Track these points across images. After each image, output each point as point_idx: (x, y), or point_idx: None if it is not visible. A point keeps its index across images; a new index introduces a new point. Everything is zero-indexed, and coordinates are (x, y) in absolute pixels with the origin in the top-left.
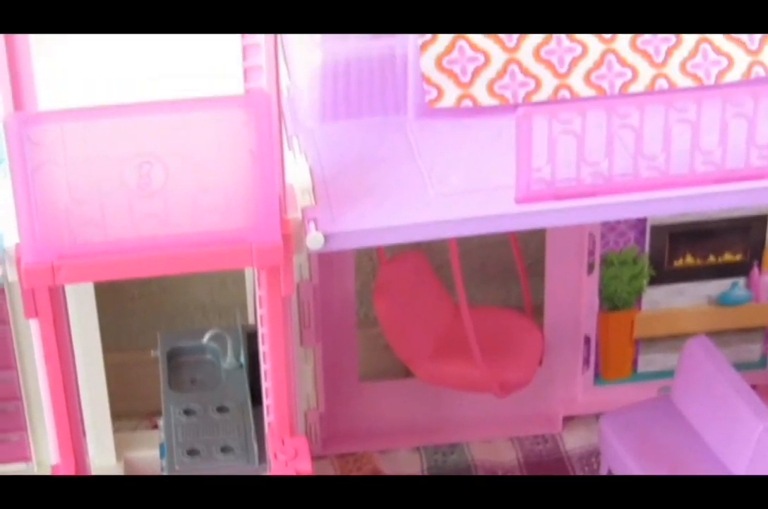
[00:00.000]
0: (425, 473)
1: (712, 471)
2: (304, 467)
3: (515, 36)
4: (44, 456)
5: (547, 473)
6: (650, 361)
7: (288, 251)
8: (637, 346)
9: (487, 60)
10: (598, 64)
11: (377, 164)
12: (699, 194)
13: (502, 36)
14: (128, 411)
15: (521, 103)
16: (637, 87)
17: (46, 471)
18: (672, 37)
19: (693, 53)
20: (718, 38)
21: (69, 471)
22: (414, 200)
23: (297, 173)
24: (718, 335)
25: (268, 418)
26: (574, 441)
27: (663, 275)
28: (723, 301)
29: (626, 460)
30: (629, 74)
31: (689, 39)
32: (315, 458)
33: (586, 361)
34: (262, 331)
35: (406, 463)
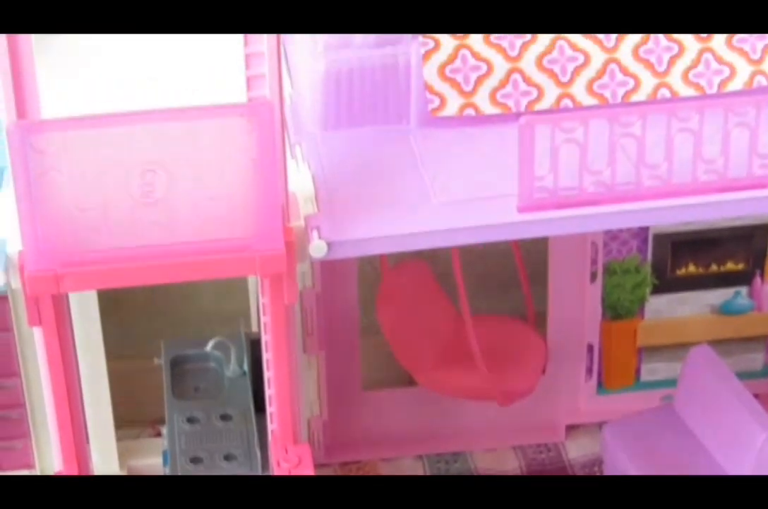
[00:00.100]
0: None
1: None
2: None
3: (518, 45)
4: (47, 463)
5: None
6: (653, 370)
7: (291, 259)
8: (640, 355)
9: (490, 69)
10: (600, 74)
11: (380, 173)
12: (701, 203)
13: (505, 45)
14: (131, 419)
15: (524, 112)
16: (640, 96)
17: None
18: (674, 47)
19: (695, 62)
20: (720, 48)
21: None
22: (417, 209)
23: (300, 181)
24: (721, 344)
25: (271, 426)
26: (577, 450)
27: (666, 283)
28: (725, 310)
29: (629, 469)
30: (631, 83)
31: (692, 48)
32: (318, 466)
33: (589, 370)
34: (265, 339)
35: (408, 471)
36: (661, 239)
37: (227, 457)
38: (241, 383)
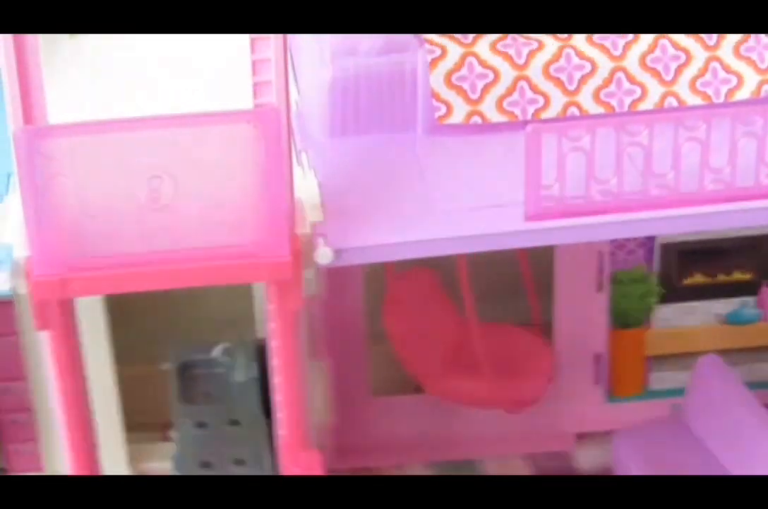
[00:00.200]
0: None
1: None
2: None
3: (525, 53)
4: (56, 467)
5: None
6: (662, 379)
7: (297, 266)
8: (648, 364)
9: (497, 77)
10: (607, 82)
11: (386, 180)
12: (708, 212)
13: (512, 53)
14: (141, 423)
15: (530, 120)
16: (647, 105)
17: None
18: (682, 56)
19: (703, 71)
20: (727, 56)
21: None
22: (423, 216)
23: (306, 188)
24: (729, 354)
25: (280, 431)
26: (586, 459)
27: (673, 293)
28: (733, 320)
29: None
30: (638, 92)
31: (699, 57)
32: (327, 471)
33: (597, 379)
34: (272, 345)
35: None
36: (668, 248)
37: (237, 462)
38: (249, 388)
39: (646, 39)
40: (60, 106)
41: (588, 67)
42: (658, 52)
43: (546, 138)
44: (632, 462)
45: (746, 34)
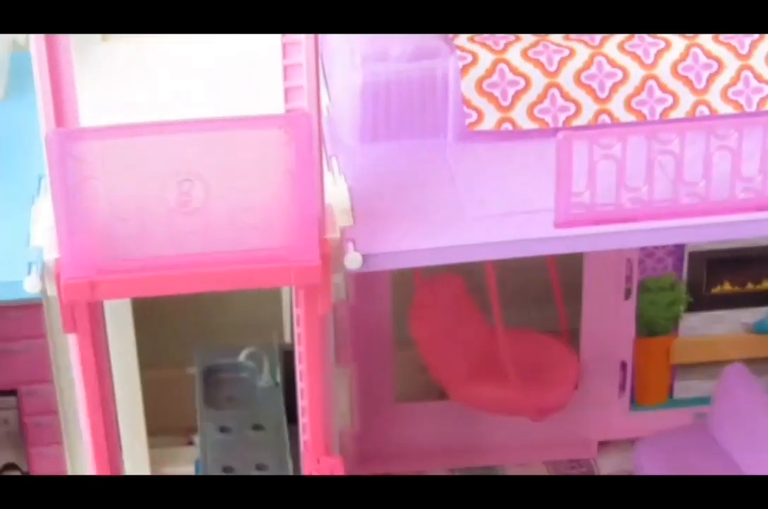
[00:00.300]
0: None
1: None
2: None
3: (556, 60)
4: (80, 470)
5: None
6: (686, 387)
7: (326, 270)
8: (673, 372)
9: (528, 84)
10: (638, 90)
11: (416, 186)
12: (738, 221)
13: (543, 60)
14: (164, 428)
15: (561, 127)
16: (678, 113)
17: None
18: (713, 64)
19: (734, 80)
20: (759, 65)
21: None
22: (452, 223)
23: (336, 193)
24: (755, 363)
25: (303, 437)
26: (608, 466)
27: (700, 301)
28: (760, 329)
29: None
30: (670, 100)
31: (731, 66)
32: None
33: (622, 386)
34: (298, 350)
35: None
36: (697, 256)
37: (259, 467)
38: (273, 393)
39: (677, 47)
40: (92, 109)
41: (619, 74)
42: (689, 61)
43: (577, 145)
44: (654, 470)
45: None
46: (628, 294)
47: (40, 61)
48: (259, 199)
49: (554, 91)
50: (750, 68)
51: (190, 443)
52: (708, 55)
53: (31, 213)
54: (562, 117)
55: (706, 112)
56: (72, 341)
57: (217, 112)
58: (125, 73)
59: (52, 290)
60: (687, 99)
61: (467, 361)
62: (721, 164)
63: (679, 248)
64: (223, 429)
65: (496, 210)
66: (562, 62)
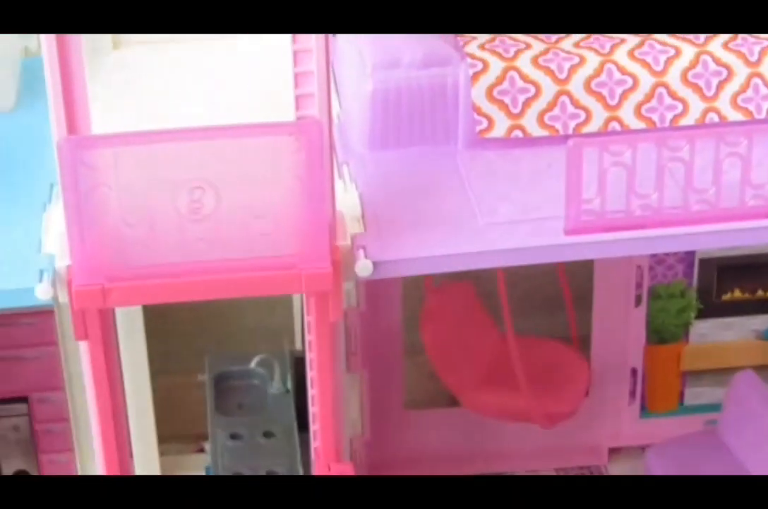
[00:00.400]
0: None
1: None
2: None
3: (566, 68)
4: None
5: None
6: (697, 394)
7: (337, 277)
8: (683, 379)
9: (538, 91)
10: (648, 97)
11: (427, 193)
12: (749, 227)
13: (553, 67)
14: (175, 435)
15: (571, 134)
16: (688, 120)
17: None
18: (723, 71)
19: (744, 87)
20: None
21: None
22: (463, 230)
23: (347, 200)
24: (765, 370)
25: (314, 444)
26: (619, 473)
27: (711, 308)
28: None
29: None
30: (680, 107)
31: (740, 73)
32: None
33: (633, 393)
34: (309, 356)
35: None
36: (707, 263)
37: (270, 474)
38: (284, 400)
39: (687, 54)
40: (103, 116)
41: (629, 82)
42: (699, 68)
43: (587, 152)
44: (664, 475)
45: None
46: (638, 301)
47: (52, 68)
48: (270, 206)
49: (564, 98)
50: (760, 75)
51: (201, 450)
52: (718, 62)
53: (42, 220)
54: (572, 124)
55: (716, 119)
56: (83, 348)
57: (228, 119)
58: (136, 81)
59: (63, 297)
60: (697, 106)
61: (478, 368)
62: (730, 171)
63: (690, 254)
64: (233, 436)
65: (507, 217)
66: (573, 69)
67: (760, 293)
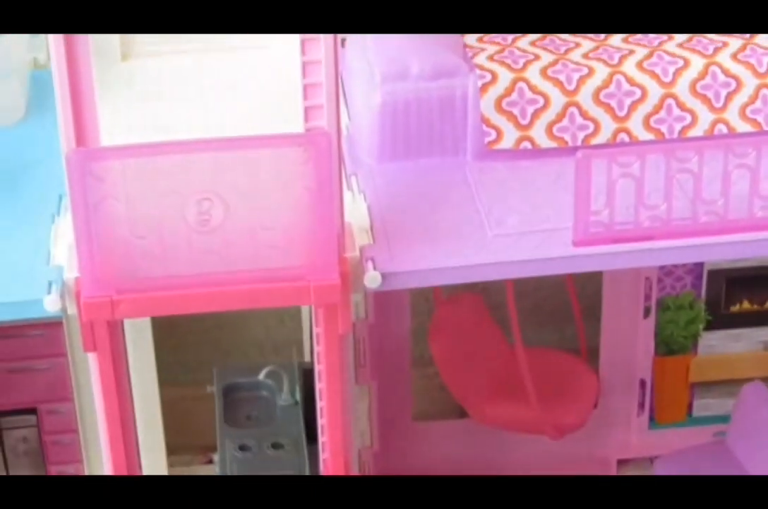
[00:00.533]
0: None
1: None
2: None
3: (575, 79)
4: None
5: None
6: (705, 406)
7: (346, 289)
8: (692, 390)
9: (547, 102)
10: (657, 108)
11: (435, 205)
12: (757, 239)
13: (562, 79)
14: (183, 446)
15: (580, 145)
16: (697, 131)
17: None
18: (732, 82)
19: (753, 99)
20: None
21: None
22: (472, 241)
23: (356, 212)
24: None
25: (322, 455)
26: None
27: (719, 320)
28: None
29: None
30: (688, 119)
31: (749, 84)
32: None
33: (641, 405)
34: (318, 368)
35: None
36: (716, 275)
37: None
38: (293, 412)
39: (696, 66)
40: (112, 128)
41: (638, 93)
42: (708, 79)
43: (596, 164)
44: None
45: None
46: (647, 313)
47: (61, 80)
48: (279, 217)
49: (573, 109)
50: None
51: (210, 461)
52: (726, 73)
53: (51, 232)
54: (581, 136)
55: (725, 130)
56: (92, 359)
57: (236, 130)
58: (145, 92)
59: (72, 309)
60: (705, 117)
61: (487, 379)
62: (739, 182)
63: (698, 266)
64: (242, 448)
65: (515, 229)
66: (581, 81)
67: None
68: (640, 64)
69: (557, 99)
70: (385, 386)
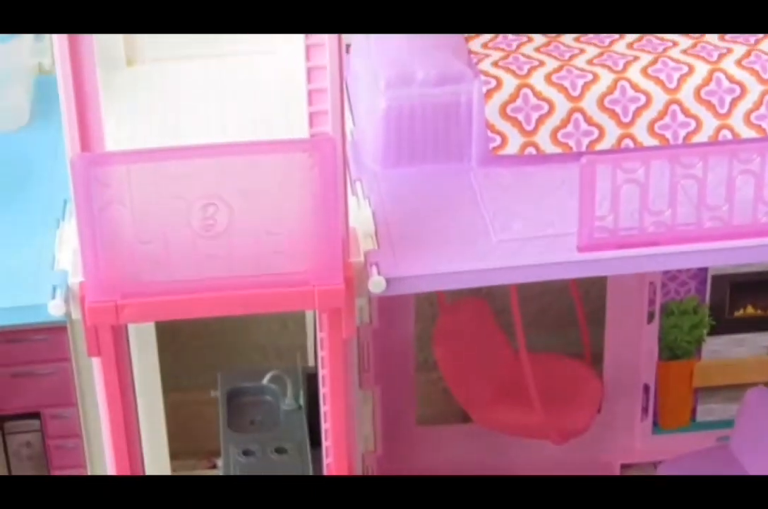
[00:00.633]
0: None
1: None
2: None
3: (579, 85)
4: None
5: None
6: (709, 410)
7: (350, 294)
8: (696, 395)
9: (552, 108)
10: (662, 114)
11: (440, 210)
12: (761, 244)
13: (566, 85)
14: (187, 451)
15: (585, 151)
16: (701, 137)
17: None
18: (736, 88)
19: (757, 105)
20: None
21: None
22: (476, 246)
23: (360, 217)
24: None
25: (326, 460)
26: None
27: (723, 324)
28: None
29: None
30: (693, 125)
31: (754, 90)
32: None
33: (645, 409)
34: (322, 373)
35: None
36: (720, 280)
37: None
38: (296, 416)
39: (701, 72)
40: (117, 133)
41: (643, 99)
42: (713, 85)
43: (600, 170)
44: None
45: None
46: (651, 317)
47: (66, 85)
48: (283, 223)
49: (578, 115)
50: None
51: (213, 466)
52: (731, 79)
53: (56, 237)
54: (585, 141)
55: (729, 136)
56: (96, 364)
57: (241, 136)
58: (150, 98)
59: (76, 314)
60: (710, 123)
61: (490, 384)
62: (743, 188)
63: (702, 271)
64: (246, 452)
65: (520, 234)
66: (586, 87)
67: None
68: (644, 71)
69: (562, 105)
70: (389, 390)
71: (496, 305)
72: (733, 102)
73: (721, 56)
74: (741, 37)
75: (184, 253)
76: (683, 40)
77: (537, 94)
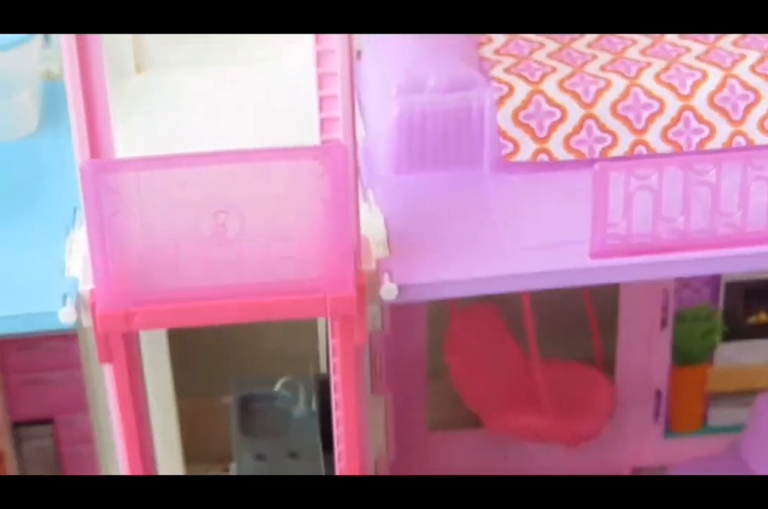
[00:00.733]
0: None
1: None
2: None
3: (592, 91)
4: None
5: None
6: (721, 415)
7: (362, 301)
8: (708, 400)
9: (564, 115)
10: (675, 121)
11: (452, 217)
12: None
13: (579, 91)
14: (200, 456)
15: (597, 158)
16: (715, 144)
17: None
18: (750, 95)
19: None
20: None
21: None
22: (488, 253)
23: (372, 224)
24: None
25: (339, 465)
26: None
27: (736, 331)
28: None
29: None
30: (707, 131)
31: (767, 97)
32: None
33: (657, 414)
34: (334, 379)
35: None
36: (733, 287)
37: None
38: (309, 422)
39: (714, 78)
40: (126, 140)
41: (656, 105)
42: (726, 92)
43: (613, 176)
44: None
45: None
46: (664, 324)
47: (75, 91)
48: (295, 230)
49: (590, 122)
50: None
51: (226, 471)
52: (745, 86)
53: (66, 244)
54: (598, 148)
55: (743, 142)
56: (108, 371)
57: (252, 143)
58: (159, 104)
59: (87, 321)
60: (724, 130)
61: (502, 390)
62: (757, 195)
63: (716, 278)
64: (259, 457)
65: (532, 241)
66: (599, 93)
67: None
68: (657, 77)
69: (574, 111)
70: (401, 396)
71: (509, 312)
72: (747, 108)
73: (734, 62)
74: (755, 42)
75: (195, 260)
76: (696, 46)
77: (549, 101)
